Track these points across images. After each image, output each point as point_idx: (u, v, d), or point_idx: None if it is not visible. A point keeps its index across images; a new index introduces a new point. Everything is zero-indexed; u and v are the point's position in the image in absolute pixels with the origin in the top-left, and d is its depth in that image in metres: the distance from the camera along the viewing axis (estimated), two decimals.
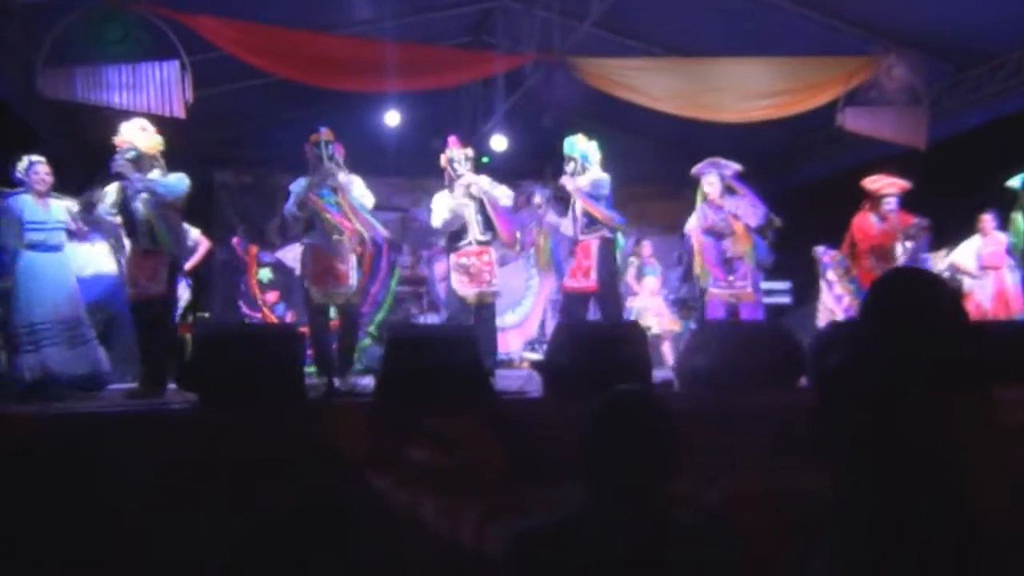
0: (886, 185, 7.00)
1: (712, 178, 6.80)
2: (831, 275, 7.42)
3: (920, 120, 7.77)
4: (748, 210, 6.75)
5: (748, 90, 7.86)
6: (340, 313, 6.15)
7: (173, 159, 5.81)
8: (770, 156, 11.37)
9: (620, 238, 6.87)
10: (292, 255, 8.18)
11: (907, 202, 7.10)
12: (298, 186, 6.03)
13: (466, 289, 6.38)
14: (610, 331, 5.44)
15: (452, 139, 6.64)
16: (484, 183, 6.46)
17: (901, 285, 1.97)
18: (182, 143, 9.11)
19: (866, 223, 7.05)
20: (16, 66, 6.73)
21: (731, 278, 6.73)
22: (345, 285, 5.95)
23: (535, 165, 11.02)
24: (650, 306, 9.17)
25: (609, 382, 2.07)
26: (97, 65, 6.21)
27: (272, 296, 8.89)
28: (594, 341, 4.88)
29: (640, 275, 9.39)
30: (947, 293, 1.96)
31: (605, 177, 6.56)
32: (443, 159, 6.58)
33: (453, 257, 6.48)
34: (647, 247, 9.54)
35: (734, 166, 6.89)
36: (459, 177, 6.45)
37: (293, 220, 6.14)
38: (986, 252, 7.58)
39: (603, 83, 7.84)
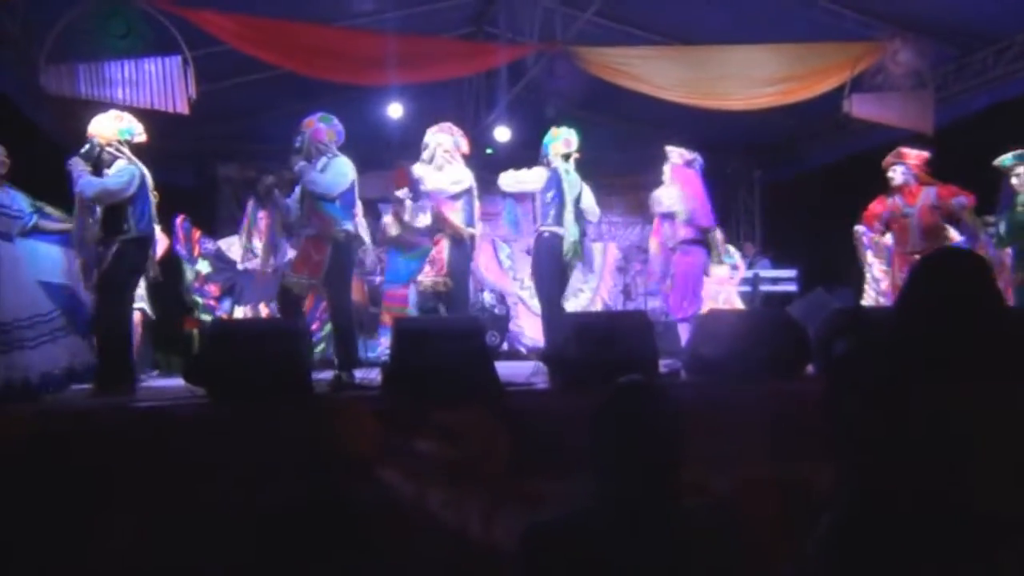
0: (889, 157, 6.95)
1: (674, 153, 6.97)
2: (870, 257, 7.38)
3: (926, 105, 7.73)
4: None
5: (753, 77, 7.81)
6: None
7: (176, 154, 5.82)
8: (776, 143, 11.35)
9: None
10: (235, 248, 7.91)
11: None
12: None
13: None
14: (616, 321, 5.44)
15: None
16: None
17: (944, 268, 1.90)
18: (185, 138, 9.13)
19: (875, 201, 7.00)
20: (19, 61, 6.73)
21: None
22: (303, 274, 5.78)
23: (539, 155, 11.01)
24: (722, 292, 8.87)
25: (615, 373, 2.07)
26: (100, 61, 6.21)
27: (213, 289, 7.95)
28: (600, 332, 4.88)
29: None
30: (991, 279, 1.89)
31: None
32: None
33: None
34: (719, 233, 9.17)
35: (699, 159, 7.05)
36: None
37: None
38: None
39: (606, 72, 7.81)
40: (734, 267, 9.07)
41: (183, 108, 6.37)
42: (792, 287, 9.87)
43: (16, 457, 3.48)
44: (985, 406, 1.71)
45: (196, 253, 7.99)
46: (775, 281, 9.88)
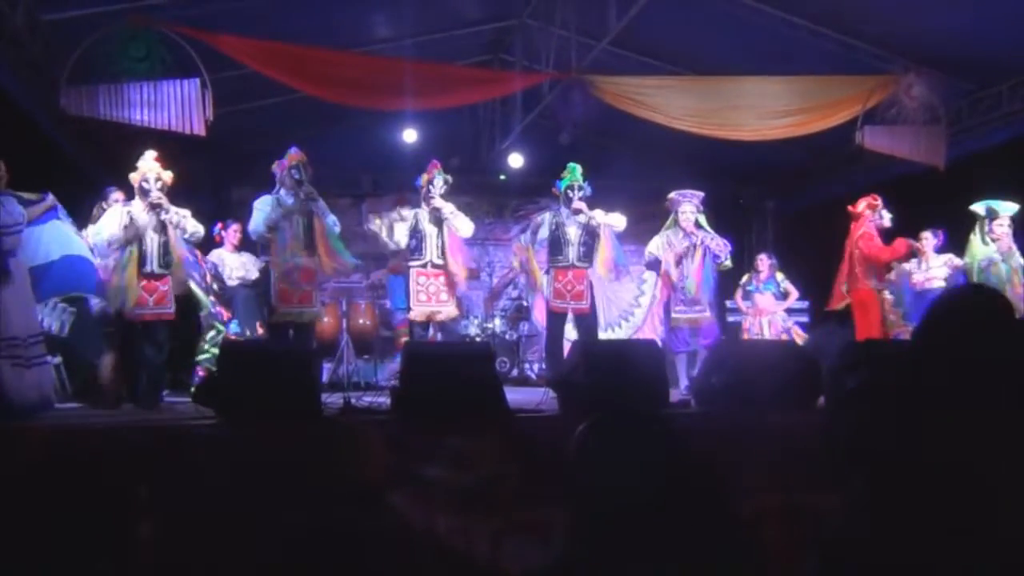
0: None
1: (688, 207, 7.02)
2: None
3: (939, 139, 7.74)
4: (718, 243, 7.02)
5: (766, 109, 7.85)
6: (297, 331, 6.29)
7: (191, 176, 5.88)
8: (788, 175, 11.36)
9: None
10: (230, 261, 7.78)
11: (917, 222, 7.41)
12: (265, 204, 6.27)
13: (421, 307, 6.60)
14: (626, 350, 5.43)
15: (433, 163, 6.77)
16: (448, 210, 6.61)
17: (967, 303, 1.93)
18: (202, 160, 9.19)
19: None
20: (40, 82, 6.81)
21: (691, 303, 6.94)
22: (309, 306, 6.24)
23: (552, 183, 11.05)
24: (777, 320, 8.80)
25: (625, 400, 2.06)
26: (119, 83, 6.28)
27: (224, 313, 7.63)
28: (610, 359, 4.87)
29: (754, 292, 8.84)
30: (1011, 313, 1.92)
31: None
32: (423, 179, 6.71)
33: (413, 274, 6.64)
34: (764, 261, 8.92)
35: (700, 194, 7.17)
36: (430, 199, 6.59)
37: (259, 239, 6.46)
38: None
39: (620, 101, 7.85)
40: (780, 295, 8.88)
41: (200, 130, 6.43)
42: (804, 319, 9.83)
43: (24, 475, 3.48)
44: (1004, 437, 1.70)
45: (207, 277, 7.89)
46: (788, 313, 9.84)
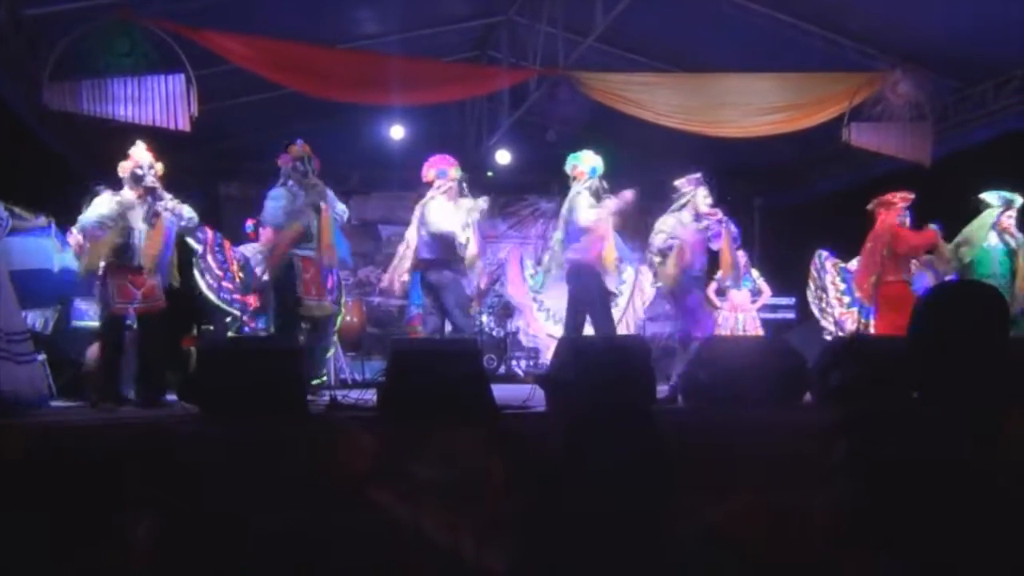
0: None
1: (705, 191, 6.85)
2: (829, 281, 7.44)
3: (924, 136, 7.78)
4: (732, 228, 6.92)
5: (753, 106, 7.86)
6: (315, 325, 6.23)
7: (178, 172, 5.85)
8: (775, 172, 11.39)
9: None
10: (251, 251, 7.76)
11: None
12: (280, 196, 6.12)
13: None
14: (614, 346, 5.43)
15: (447, 158, 6.67)
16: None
17: (958, 300, 1.94)
18: (187, 156, 9.15)
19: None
20: (23, 78, 6.76)
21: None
22: (324, 298, 6.16)
23: (539, 179, 11.06)
24: (751, 318, 8.89)
25: (613, 397, 2.06)
26: (103, 78, 6.24)
27: (252, 301, 7.66)
28: (598, 356, 4.86)
29: (730, 288, 8.78)
30: (1004, 309, 1.93)
31: None
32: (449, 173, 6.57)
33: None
34: (740, 258, 8.78)
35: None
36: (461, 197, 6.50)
37: (277, 228, 6.23)
38: None
39: (607, 98, 7.85)
40: (755, 292, 8.97)
41: (185, 126, 6.40)
42: (791, 315, 9.87)
43: (13, 472, 3.46)
44: (997, 432, 1.71)
45: (232, 265, 7.81)
46: (773, 309, 9.88)
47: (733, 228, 6.87)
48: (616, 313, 10.42)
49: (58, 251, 6.05)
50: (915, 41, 7.54)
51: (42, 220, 5.77)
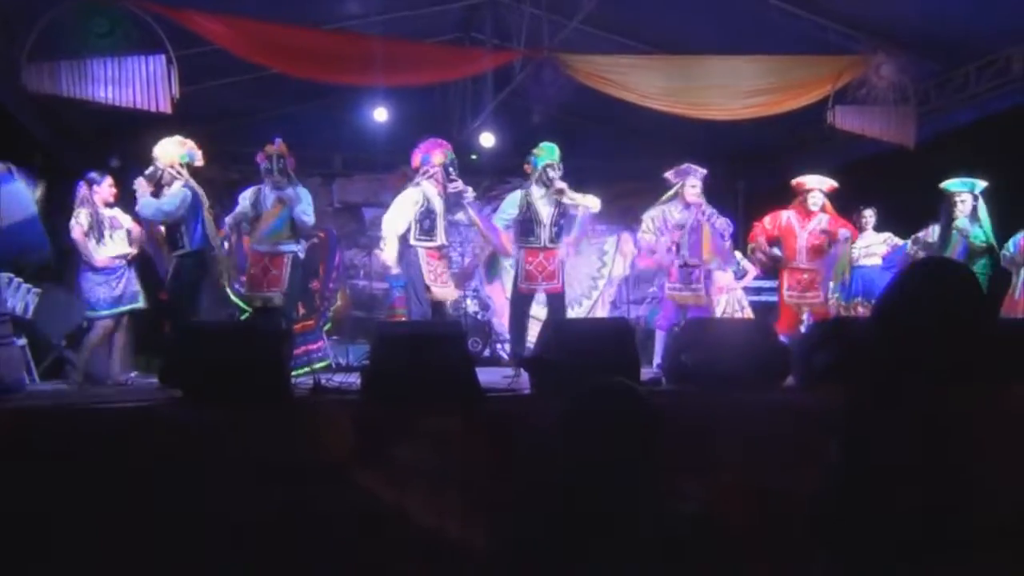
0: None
1: (695, 180, 6.90)
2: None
3: (908, 119, 7.80)
4: (722, 222, 7.02)
5: (737, 88, 7.86)
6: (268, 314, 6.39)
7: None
8: (761, 154, 11.39)
9: None
10: None
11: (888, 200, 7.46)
12: (245, 199, 6.53)
13: (440, 288, 6.53)
14: (597, 328, 5.44)
15: (440, 142, 6.75)
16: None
17: (929, 275, 1.93)
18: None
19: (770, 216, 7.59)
20: (1, 61, 6.67)
21: (688, 281, 6.94)
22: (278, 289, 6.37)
23: (523, 163, 11.01)
24: (739, 298, 9.01)
25: (597, 378, 2.06)
26: (82, 59, 6.16)
27: None
28: (581, 338, 4.87)
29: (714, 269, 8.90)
30: (976, 287, 1.91)
31: None
32: (434, 159, 6.59)
33: (423, 254, 6.47)
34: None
35: (703, 171, 7.09)
36: (450, 182, 6.58)
37: (239, 226, 6.62)
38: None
39: (592, 80, 7.82)
40: (740, 274, 9.02)
41: (166, 108, 6.35)
42: (774, 297, 9.89)
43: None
44: (976, 408, 1.72)
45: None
46: (758, 291, 9.90)
47: (721, 222, 6.92)
48: (600, 283, 10.58)
49: (32, 192, 6.04)
50: (898, 24, 7.53)
51: (1, 167, 5.73)
